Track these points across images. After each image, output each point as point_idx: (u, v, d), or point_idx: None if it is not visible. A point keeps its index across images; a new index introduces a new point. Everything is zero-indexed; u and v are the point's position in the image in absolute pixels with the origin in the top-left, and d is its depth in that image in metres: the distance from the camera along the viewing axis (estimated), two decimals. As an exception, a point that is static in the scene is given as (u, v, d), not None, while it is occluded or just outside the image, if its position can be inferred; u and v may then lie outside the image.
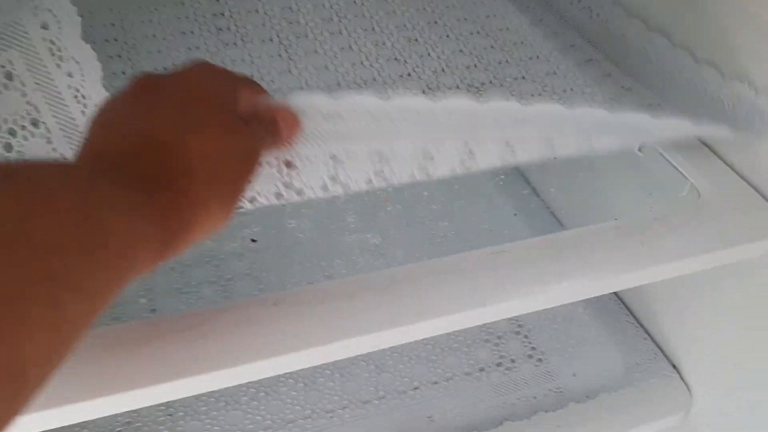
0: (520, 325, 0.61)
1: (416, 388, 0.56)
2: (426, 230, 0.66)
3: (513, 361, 0.58)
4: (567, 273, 0.38)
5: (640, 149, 0.51)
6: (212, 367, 0.32)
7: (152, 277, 0.58)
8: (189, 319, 0.34)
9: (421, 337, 0.36)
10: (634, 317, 0.62)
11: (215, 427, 0.52)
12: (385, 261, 0.61)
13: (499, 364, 0.58)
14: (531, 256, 0.39)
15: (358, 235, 0.63)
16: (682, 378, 0.58)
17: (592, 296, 0.39)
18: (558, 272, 0.38)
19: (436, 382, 0.57)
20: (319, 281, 0.58)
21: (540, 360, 0.59)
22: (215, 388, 0.33)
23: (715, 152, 0.49)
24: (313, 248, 0.62)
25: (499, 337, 0.60)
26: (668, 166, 0.48)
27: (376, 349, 0.35)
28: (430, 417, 0.54)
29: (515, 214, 0.66)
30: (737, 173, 0.47)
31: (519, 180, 0.72)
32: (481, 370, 0.58)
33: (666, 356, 0.59)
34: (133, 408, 0.31)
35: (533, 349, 0.60)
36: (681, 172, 0.47)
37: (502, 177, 0.71)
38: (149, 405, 0.32)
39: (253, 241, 0.62)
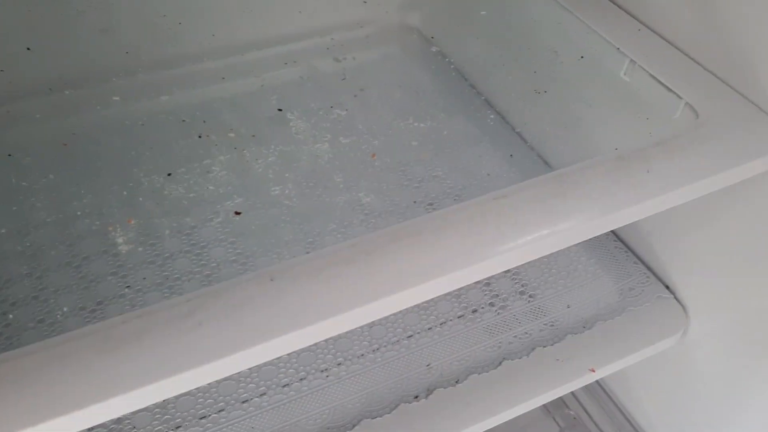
0: (508, 263, 0.59)
1: (410, 337, 0.54)
2: (418, 182, 0.63)
3: (505, 299, 0.57)
4: (576, 211, 0.36)
5: (625, 73, 0.49)
6: (212, 357, 0.30)
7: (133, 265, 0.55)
8: (182, 306, 0.31)
9: (432, 296, 0.34)
10: (623, 242, 0.61)
11: (208, 399, 0.50)
12: (379, 219, 0.58)
13: (491, 304, 0.57)
14: (537, 197, 0.37)
15: (348, 195, 0.59)
16: (677, 298, 0.57)
17: (605, 231, 0.37)
18: (567, 211, 0.36)
19: (429, 329, 0.55)
20: (314, 249, 0.54)
21: (532, 296, 0.57)
22: (219, 377, 0.31)
23: (705, 67, 0.47)
24: (303, 214, 0.58)
25: (489, 277, 0.58)
26: (659, 87, 0.46)
27: (384, 315, 0.33)
28: (428, 365, 0.53)
29: (511, 155, 0.63)
30: (730, 87, 0.45)
31: (506, 126, 0.69)
32: (474, 311, 0.56)
33: (659, 278, 0.59)
34: (134, 410, 0.29)
35: (524, 285, 0.58)
36: (674, 92, 0.45)
37: (492, 117, 0.69)
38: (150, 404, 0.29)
39: (237, 213, 0.58)
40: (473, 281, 0.34)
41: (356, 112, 0.69)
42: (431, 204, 0.61)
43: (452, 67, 0.75)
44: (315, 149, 0.65)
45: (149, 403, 0.30)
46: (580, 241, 0.37)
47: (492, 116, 0.70)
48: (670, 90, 0.45)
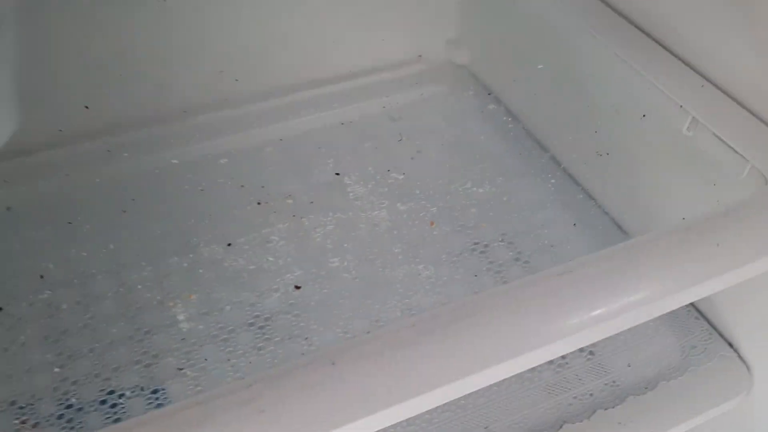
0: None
1: (466, 397, 0.53)
2: (480, 251, 0.62)
3: (564, 357, 0.56)
4: (645, 288, 0.35)
5: (688, 129, 0.48)
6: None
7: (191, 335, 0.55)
8: (243, 392, 0.31)
9: (497, 380, 0.33)
10: (684, 296, 0.59)
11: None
12: (440, 294, 0.58)
13: (550, 362, 0.55)
14: (599, 273, 0.36)
15: (407, 267, 0.59)
16: (740, 357, 0.55)
17: (675, 308, 0.36)
18: (636, 288, 0.35)
19: (487, 389, 0.54)
20: (376, 325, 0.54)
21: (591, 353, 0.56)
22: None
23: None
24: (361, 288, 0.57)
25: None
26: (724, 148, 0.44)
27: (445, 401, 0.32)
28: (486, 427, 0.52)
29: (575, 224, 0.62)
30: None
31: (571, 185, 0.68)
32: (533, 370, 0.55)
33: (721, 335, 0.57)
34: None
35: (583, 341, 0.57)
36: (740, 153, 0.44)
37: (553, 182, 0.67)
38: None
39: (297, 287, 0.57)
40: (538, 363, 0.33)
41: (413, 176, 0.68)
42: (497, 273, 0.60)
43: (513, 120, 0.74)
44: (373, 216, 0.64)
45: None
46: (649, 319, 0.36)
47: (557, 177, 0.68)
48: (735, 152, 0.44)
